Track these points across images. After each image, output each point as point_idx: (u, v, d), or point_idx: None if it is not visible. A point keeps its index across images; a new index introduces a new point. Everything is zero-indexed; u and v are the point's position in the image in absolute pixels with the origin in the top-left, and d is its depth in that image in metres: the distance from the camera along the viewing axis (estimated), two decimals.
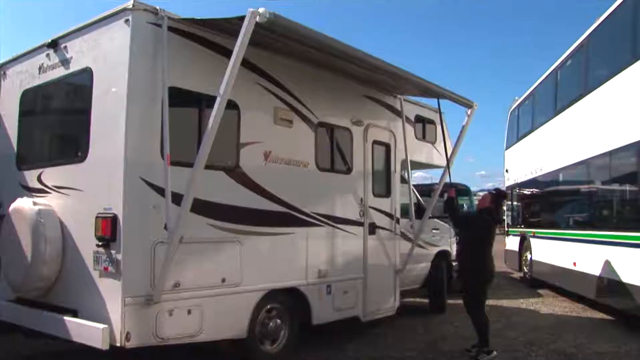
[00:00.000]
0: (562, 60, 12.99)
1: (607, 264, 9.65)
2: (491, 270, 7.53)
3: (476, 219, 7.93)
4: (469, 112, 9.22)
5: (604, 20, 10.59)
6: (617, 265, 9.35)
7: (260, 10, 5.10)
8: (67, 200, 5.95)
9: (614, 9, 10.08)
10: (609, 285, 9.64)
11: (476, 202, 18.25)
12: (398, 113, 9.12)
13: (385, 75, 7.59)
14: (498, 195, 7.90)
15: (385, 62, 7.03)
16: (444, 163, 11.20)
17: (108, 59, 5.67)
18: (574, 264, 11.26)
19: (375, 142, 8.56)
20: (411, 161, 9.46)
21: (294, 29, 5.69)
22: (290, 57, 6.99)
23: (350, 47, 6.44)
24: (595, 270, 10.09)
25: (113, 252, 5.28)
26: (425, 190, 12.95)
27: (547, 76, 14.18)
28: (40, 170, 6.37)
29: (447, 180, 9.34)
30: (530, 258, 14.83)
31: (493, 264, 7.57)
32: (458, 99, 8.90)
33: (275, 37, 5.96)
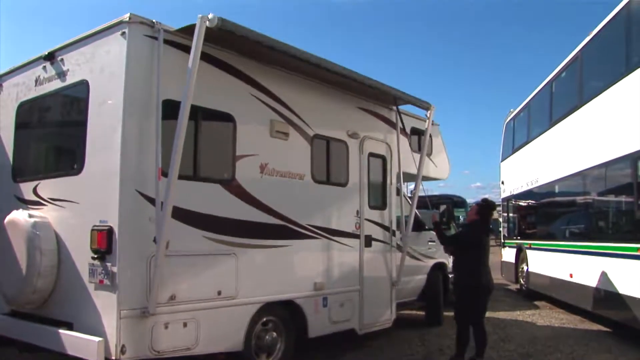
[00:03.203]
0: (557, 72, 13.06)
1: (604, 275, 9.66)
2: (487, 283, 7.46)
3: (464, 233, 7.89)
4: (428, 114, 9.30)
5: (598, 32, 10.66)
6: (614, 277, 9.36)
7: (210, 16, 5.34)
8: (62, 212, 5.95)
9: (608, 21, 10.15)
10: (606, 297, 9.64)
11: None
12: (394, 125, 9.14)
13: (338, 77, 7.47)
14: (484, 206, 7.82)
15: (328, 62, 6.98)
16: (441, 175, 11.29)
17: (104, 71, 5.68)
18: (571, 275, 11.26)
19: (371, 155, 8.57)
20: (407, 173, 9.47)
21: (242, 33, 5.78)
22: (286, 69, 7.02)
23: (291, 46, 6.44)
24: (592, 281, 10.09)
25: (108, 264, 5.26)
26: (420, 202, 12.95)
27: (542, 88, 14.25)
28: (36, 183, 6.37)
29: (420, 188, 9.37)
30: (527, 269, 14.83)
31: (489, 276, 7.52)
32: (415, 102, 8.97)
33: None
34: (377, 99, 8.57)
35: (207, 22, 5.37)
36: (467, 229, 7.85)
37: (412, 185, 10.84)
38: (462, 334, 7.52)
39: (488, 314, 11.54)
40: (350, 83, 7.72)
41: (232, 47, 6.29)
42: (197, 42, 5.39)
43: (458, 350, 7.54)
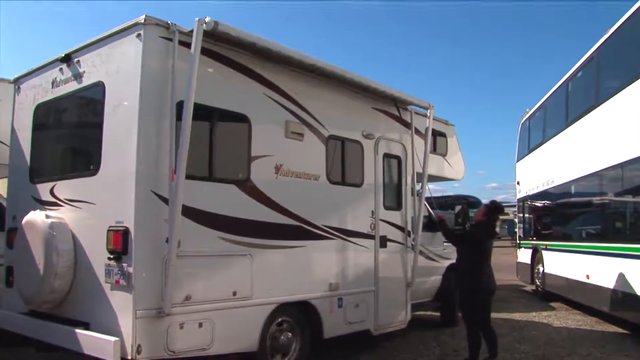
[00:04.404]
0: (573, 72, 12.96)
1: (621, 276, 9.57)
2: (488, 284, 7.43)
3: (469, 234, 7.86)
4: (428, 114, 9.28)
5: (615, 31, 10.56)
6: (631, 278, 9.26)
7: (207, 19, 5.50)
8: (79, 213, 5.99)
9: (625, 20, 10.06)
10: (623, 298, 9.55)
11: None
12: (409, 126, 9.12)
13: (338, 80, 7.59)
14: (492, 208, 7.78)
15: (326, 64, 7.13)
16: (456, 175, 11.25)
17: (120, 73, 5.72)
18: (587, 276, 11.17)
19: (386, 155, 8.55)
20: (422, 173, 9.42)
21: (235, 35, 5.91)
22: (301, 70, 7.03)
23: (291, 50, 6.61)
24: (609, 282, 10.01)
25: (124, 265, 5.29)
26: (437, 202, 12.93)
27: (558, 88, 14.15)
28: (53, 184, 6.42)
29: (427, 188, 9.35)
30: (543, 271, 14.73)
31: (492, 277, 7.48)
32: (414, 102, 9.01)
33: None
34: (379, 100, 8.54)
35: (204, 25, 5.50)
36: (473, 229, 7.84)
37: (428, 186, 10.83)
38: (471, 335, 7.52)
39: (504, 315, 11.54)
40: (349, 84, 7.76)
41: (246, 48, 6.31)
42: (196, 44, 5.49)
43: (471, 352, 7.49)
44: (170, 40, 5.60)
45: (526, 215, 17.50)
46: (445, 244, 10.45)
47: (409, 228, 8.92)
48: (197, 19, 5.49)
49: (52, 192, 6.40)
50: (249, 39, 6.08)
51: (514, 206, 19.33)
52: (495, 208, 7.81)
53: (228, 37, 5.93)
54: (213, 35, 5.73)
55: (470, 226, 8.00)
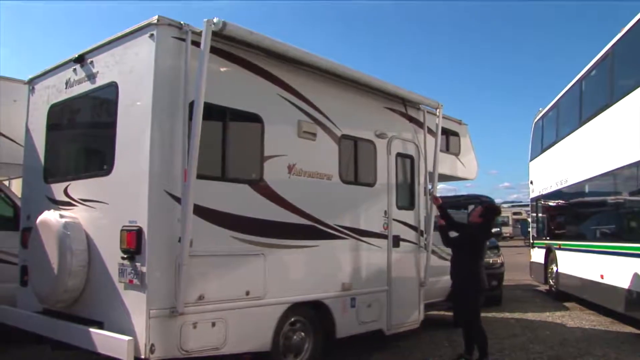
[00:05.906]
0: (587, 70, 12.86)
1: (636, 276, 9.49)
2: (485, 284, 7.45)
3: (466, 235, 7.85)
4: (437, 112, 9.27)
5: (630, 28, 10.47)
6: None
7: (215, 20, 5.57)
8: (93, 213, 6.01)
9: None
10: (638, 298, 9.47)
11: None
12: (421, 125, 9.09)
13: (345, 80, 7.61)
14: (489, 210, 7.85)
15: (335, 64, 7.18)
16: (469, 175, 11.21)
17: (133, 73, 5.74)
18: (602, 276, 11.08)
19: (399, 155, 8.53)
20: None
21: (244, 35, 5.98)
22: (314, 69, 7.03)
23: (298, 49, 6.64)
24: (624, 282, 9.92)
25: (138, 264, 5.31)
26: (450, 202, 12.86)
27: (571, 86, 14.05)
28: (66, 184, 6.46)
29: (437, 187, 9.30)
30: (556, 270, 14.63)
31: (478, 278, 7.45)
32: (423, 101, 9.01)
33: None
34: (390, 99, 8.51)
35: (213, 25, 5.54)
36: (470, 230, 7.84)
37: (440, 185, 10.80)
38: (465, 332, 7.65)
39: (517, 315, 11.51)
40: (359, 83, 7.77)
41: (257, 48, 6.32)
42: (205, 45, 5.51)
43: (466, 348, 7.65)
44: (183, 40, 5.61)
45: (540, 214, 17.40)
46: None
47: (422, 227, 8.90)
48: (205, 19, 5.52)
49: (65, 192, 6.43)
50: (258, 39, 6.10)
51: (527, 206, 19.21)
52: (492, 210, 7.94)
53: (237, 38, 5.95)
54: (223, 35, 5.74)
55: (468, 227, 7.98)
